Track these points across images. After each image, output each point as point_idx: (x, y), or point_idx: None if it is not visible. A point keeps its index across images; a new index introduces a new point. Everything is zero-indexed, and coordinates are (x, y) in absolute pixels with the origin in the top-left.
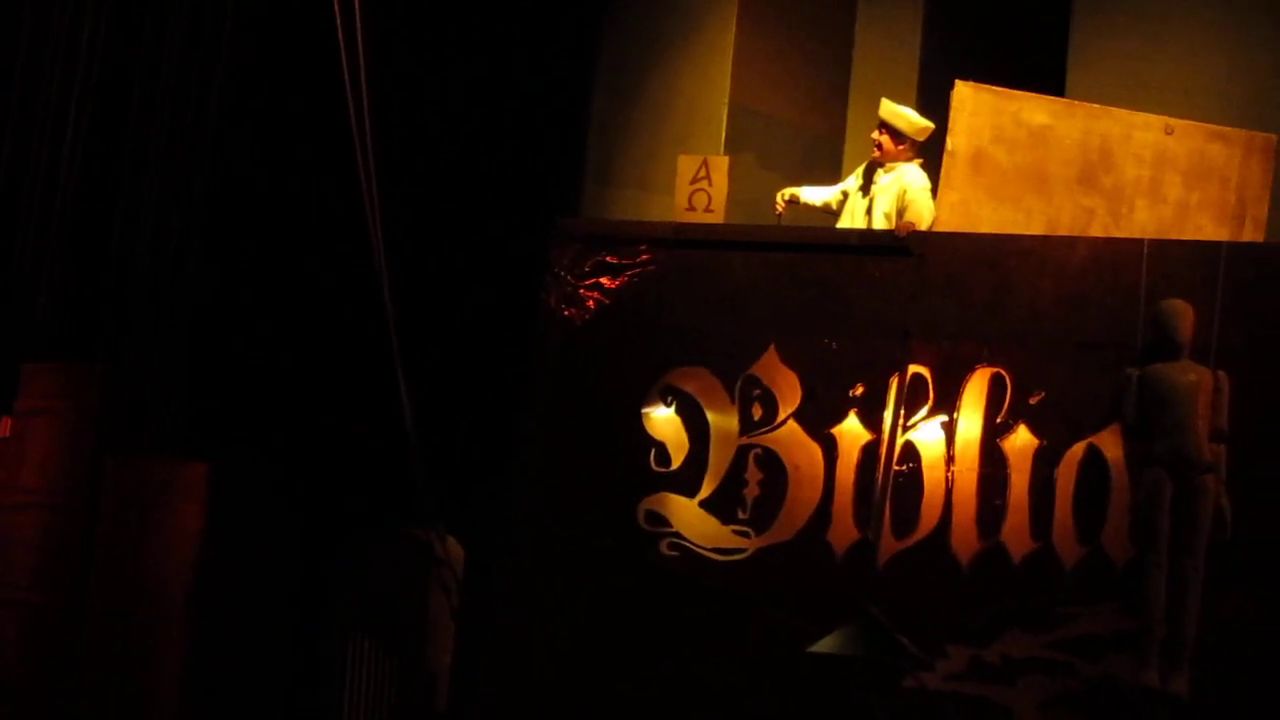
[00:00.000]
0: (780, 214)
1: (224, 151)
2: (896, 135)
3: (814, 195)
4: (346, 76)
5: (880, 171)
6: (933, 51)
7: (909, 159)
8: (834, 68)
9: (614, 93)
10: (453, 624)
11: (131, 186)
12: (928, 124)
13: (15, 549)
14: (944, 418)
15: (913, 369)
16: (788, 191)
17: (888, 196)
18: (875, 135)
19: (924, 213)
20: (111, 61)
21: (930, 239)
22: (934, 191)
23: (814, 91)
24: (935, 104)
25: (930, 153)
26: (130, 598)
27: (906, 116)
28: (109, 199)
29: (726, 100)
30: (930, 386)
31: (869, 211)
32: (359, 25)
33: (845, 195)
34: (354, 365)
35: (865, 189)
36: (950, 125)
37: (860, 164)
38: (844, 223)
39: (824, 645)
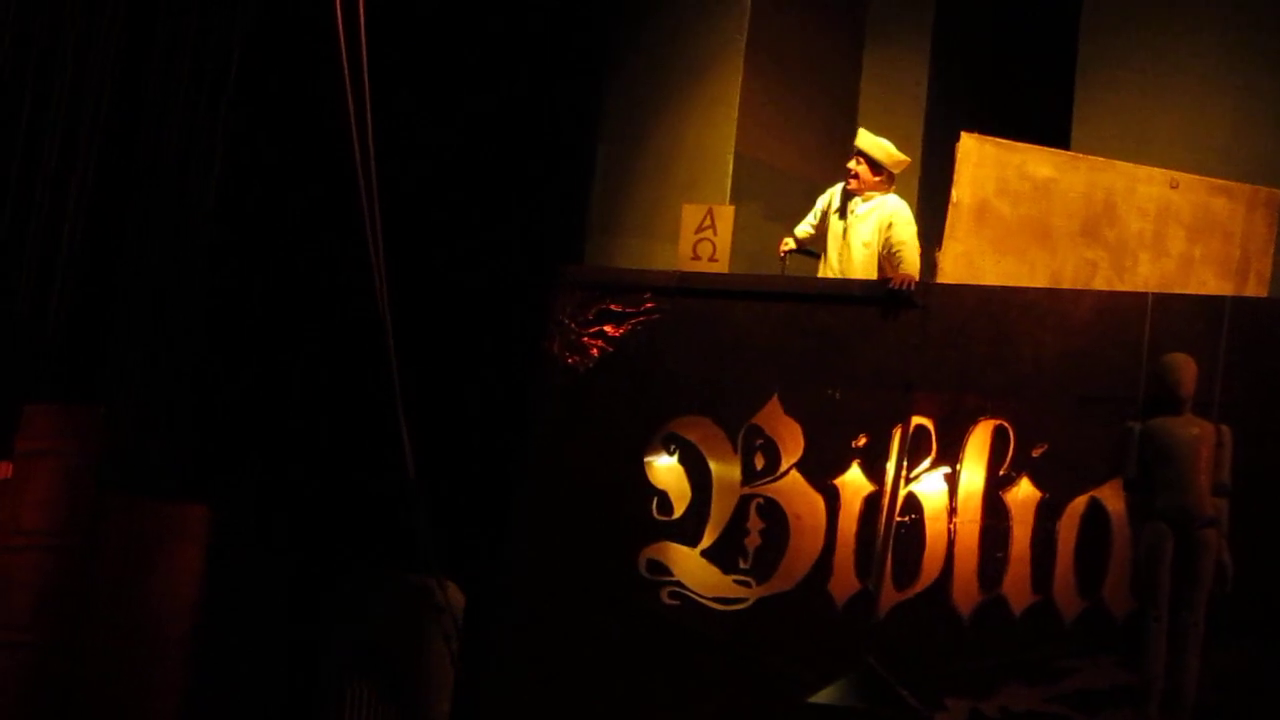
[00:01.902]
0: (784, 261)
1: (226, 198)
2: (875, 166)
3: (803, 230)
4: (353, 124)
5: (857, 200)
6: (937, 103)
7: (886, 190)
8: (839, 118)
9: (619, 141)
10: (451, 670)
11: (133, 229)
12: (905, 157)
13: (14, 590)
14: (946, 469)
15: (915, 420)
16: (789, 241)
17: (868, 225)
18: (852, 165)
19: (914, 255)
20: (117, 100)
21: (933, 291)
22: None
23: (819, 142)
24: (939, 155)
25: (934, 203)
26: (129, 639)
27: (885, 147)
28: (111, 241)
29: (732, 150)
30: (933, 438)
31: (844, 235)
32: (365, 70)
33: (823, 215)
34: (355, 410)
35: (841, 212)
36: (955, 177)
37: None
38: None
39: (824, 696)
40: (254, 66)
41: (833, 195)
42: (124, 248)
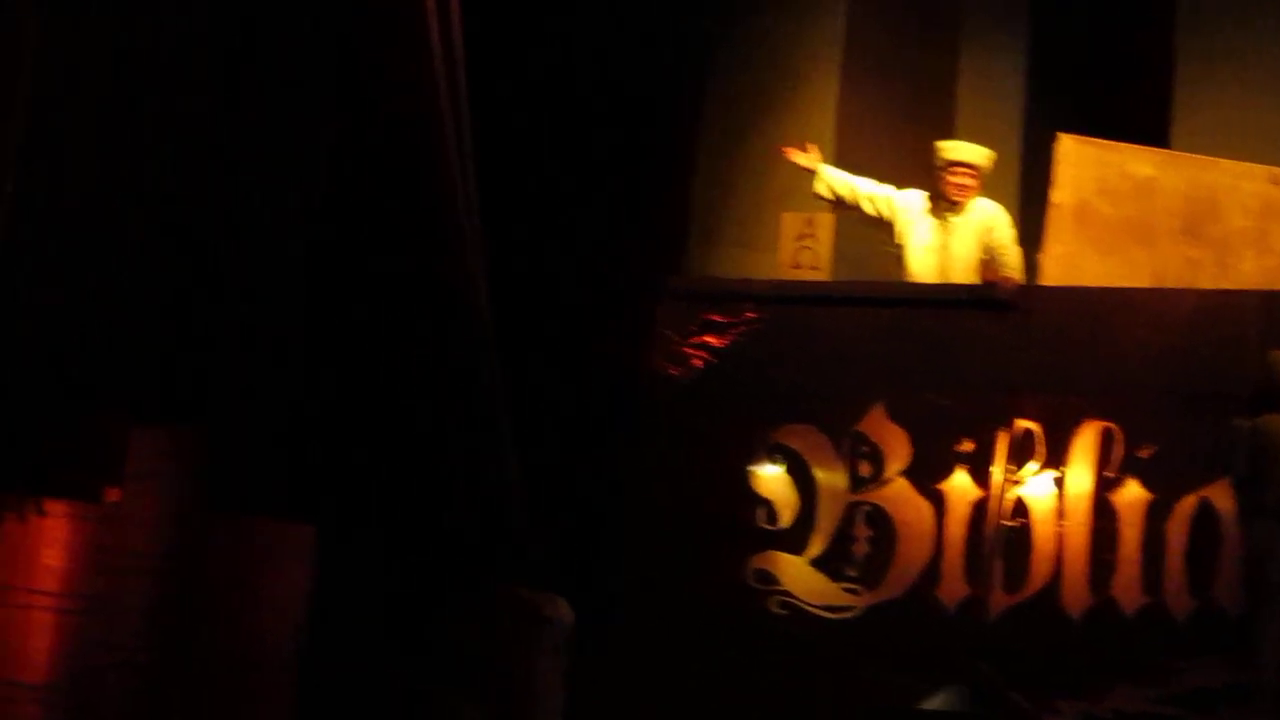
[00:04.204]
0: (896, 254)
1: (323, 220)
2: (979, 175)
3: (843, 184)
4: (450, 143)
5: (950, 209)
6: (1035, 105)
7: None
8: (937, 123)
9: (718, 152)
10: (561, 685)
11: (230, 249)
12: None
13: (123, 612)
14: (1053, 472)
15: (1021, 424)
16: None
17: (969, 232)
18: (965, 180)
19: (1017, 258)
20: (208, 120)
21: (1035, 293)
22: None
23: (917, 147)
24: (1038, 157)
25: (1033, 205)
26: (236, 660)
27: (991, 155)
28: (209, 261)
29: (831, 158)
30: (1039, 441)
31: (944, 245)
32: (461, 86)
33: (872, 203)
34: (459, 426)
35: (921, 222)
36: (1054, 178)
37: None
38: (920, 262)
39: (935, 702)
40: (348, 73)
41: (906, 206)
42: (224, 267)
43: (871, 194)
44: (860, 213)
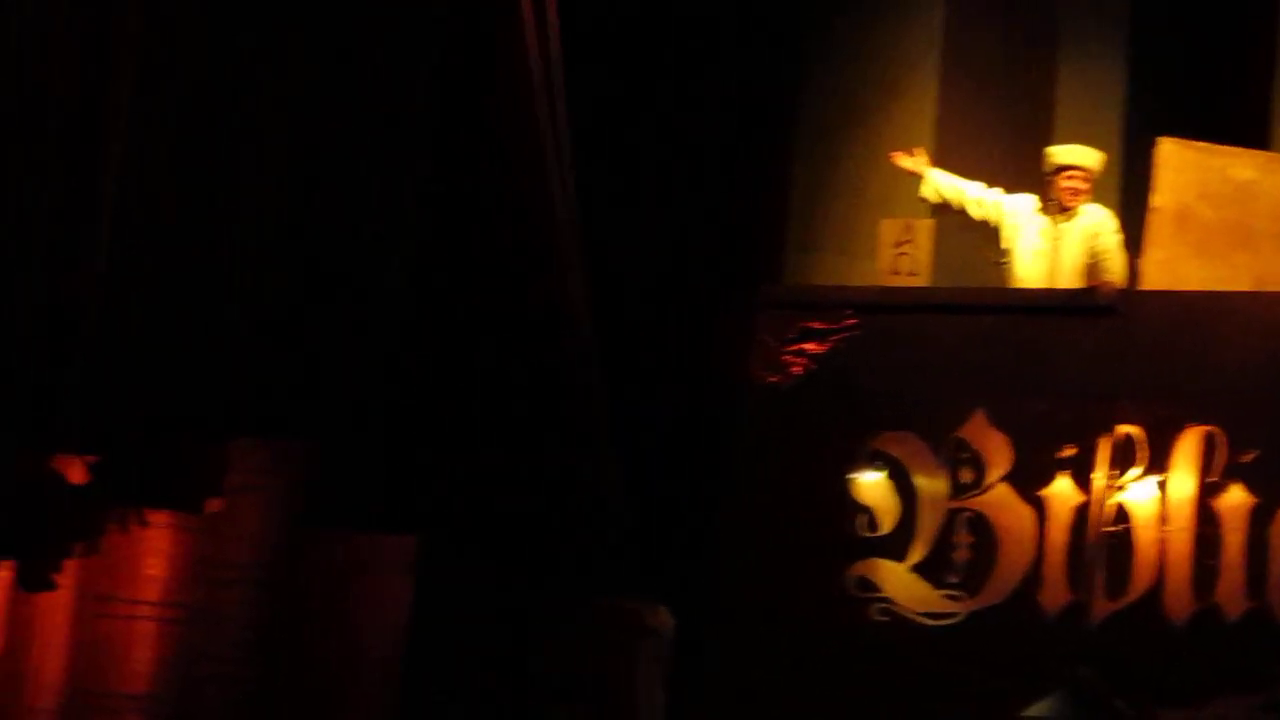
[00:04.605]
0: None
1: (423, 231)
2: (1090, 178)
3: (952, 190)
4: (550, 153)
5: (1060, 215)
6: (1135, 109)
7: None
8: (1036, 128)
9: (815, 159)
10: (663, 694)
11: (332, 262)
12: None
13: (225, 624)
14: (1155, 477)
15: (1122, 429)
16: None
17: (1078, 236)
18: (1078, 184)
19: (1121, 263)
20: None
21: (1136, 298)
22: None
23: (1016, 153)
24: (1138, 162)
25: (1133, 210)
26: (337, 670)
27: (1102, 159)
28: (311, 275)
29: (929, 163)
30: (1140, 446)
31: (1053, 250)
32: (560, 97)
33: (979, 207)
34: (560, 436)
35: (1028, 227)
36: (1154, 183)
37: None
38: (1028, 267)
39: (1038, 709)
40: (446, 83)
41: (1015, 210)
42: (325, 281)
43: (979, 198)
44: (966, 217)
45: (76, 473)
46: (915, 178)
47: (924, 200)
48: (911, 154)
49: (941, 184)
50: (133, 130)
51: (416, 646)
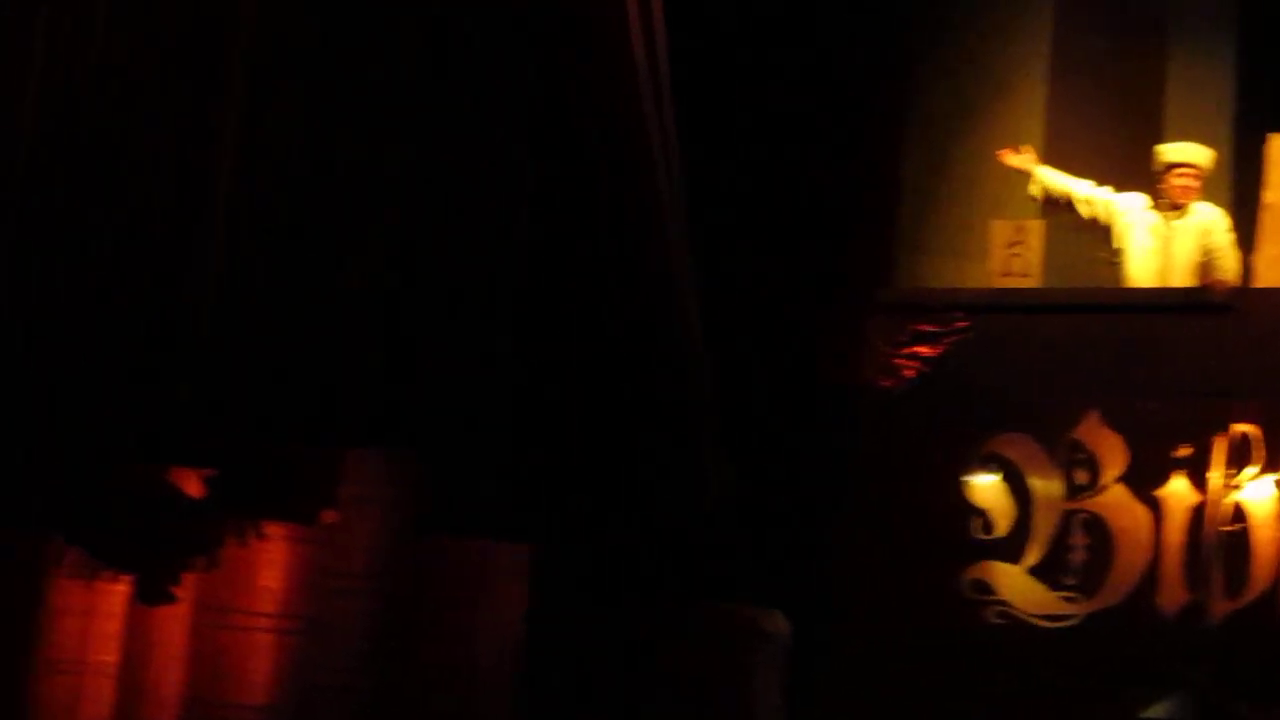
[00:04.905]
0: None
1: (531, 241)
2: (1201, 176)
3: (1078, 192)
4: (659, 160)
5: (1172, 213)
6: (1246, 105)
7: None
8: (1146, 128)
9: (925, 161)
10: (781, 700)
11: (442, 272)
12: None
13: (341, 635)
14: (1272, 476)
15: (1238, 428)
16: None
17: (1190, 235)
18: (1190, 182)
19: (1234, 260)
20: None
21: (1249, 295)
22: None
23: (1126, 152)
24: (1249, 158)
25: (1245, 207)
26: (453, 680)
27: (1213, 156)
28: (422, 285)
29: (1039, 164)
30: (1256, 444)
31: (1163, 250)
32: (667, 103)
33: (1089, 205)
34: (673, 443)
35: (1139, 226)
36: (1265, 179)
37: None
38: (1140, 266)
39: (1157, 710)
40: (553, 92)
41: (1126, 209)
42: (436, 291)
43: (1089, 196)
44: (1076, 216)
45: (193, 486)
46: (1025, 178)
47: (1032, 199)
48: (1019, 151)
49: (1050, 181)
50: (244, 141)
51: (531, 655)
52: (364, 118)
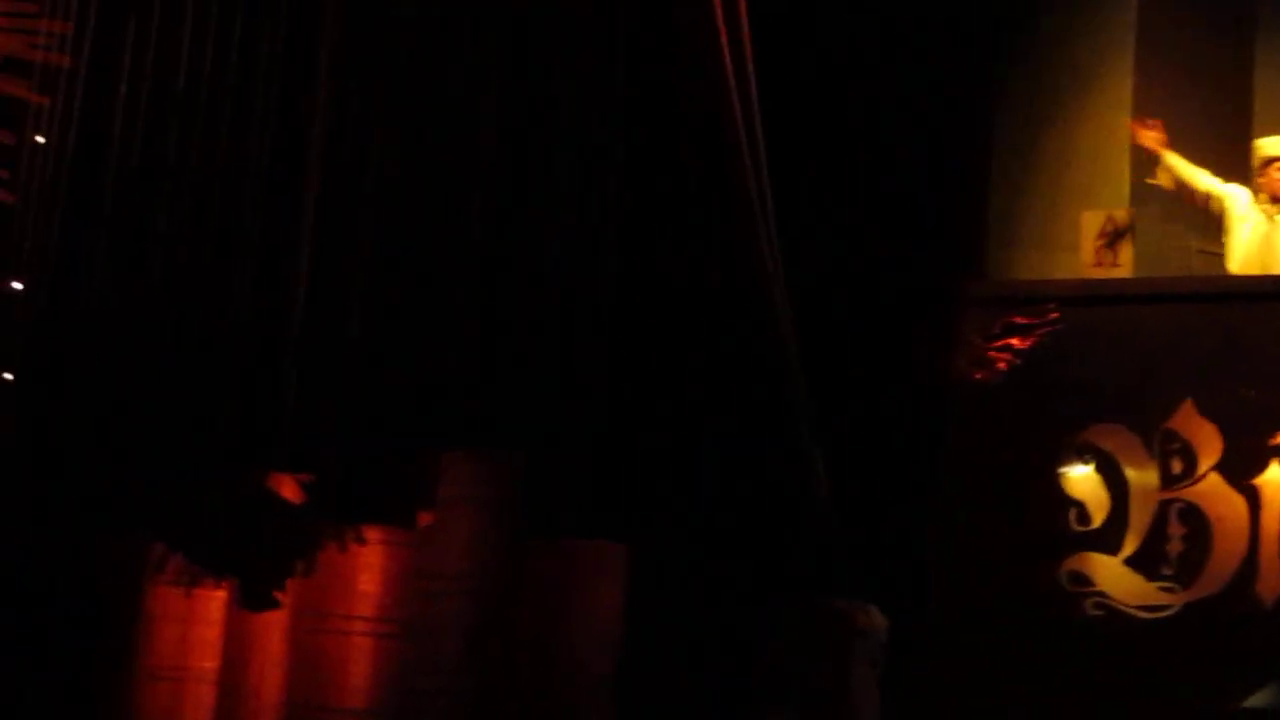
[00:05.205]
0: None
1: (623, 241)
2: None
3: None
4: (745, 157)
5: (1271, 207)
6: None
7: None
8: (1234, 114)
9: (1012, 153)
10: (878, 696)
11: (539, 274)
12: None
13: (441, 636)
14: None
15: None
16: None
17: None
18: None
19: None
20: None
21: None
22: None
23: (1215, 139)
24: None
25: None
26: (554, 680)
27: None
28: (518, 287)
29: (1127, 154)
30: None
31: (1264, 243)
32: (753, 100)
33: (1208, 198)
34: (767, 439)
35: (1247, 219)
36: None
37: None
38: (1244, 259)
39: (1259, 698)
40: (640, 92)
41: (1236, 201)
42: (531, 292)
43: (1211, 187)
44: (1193, 205)
45: (291, 491)
46: (1114, 168)
47: (1155, 184)
48: (1149, 128)
49: (1179, 167)
50: (334, 145)
51: (629, 654)
52: (454, 120)
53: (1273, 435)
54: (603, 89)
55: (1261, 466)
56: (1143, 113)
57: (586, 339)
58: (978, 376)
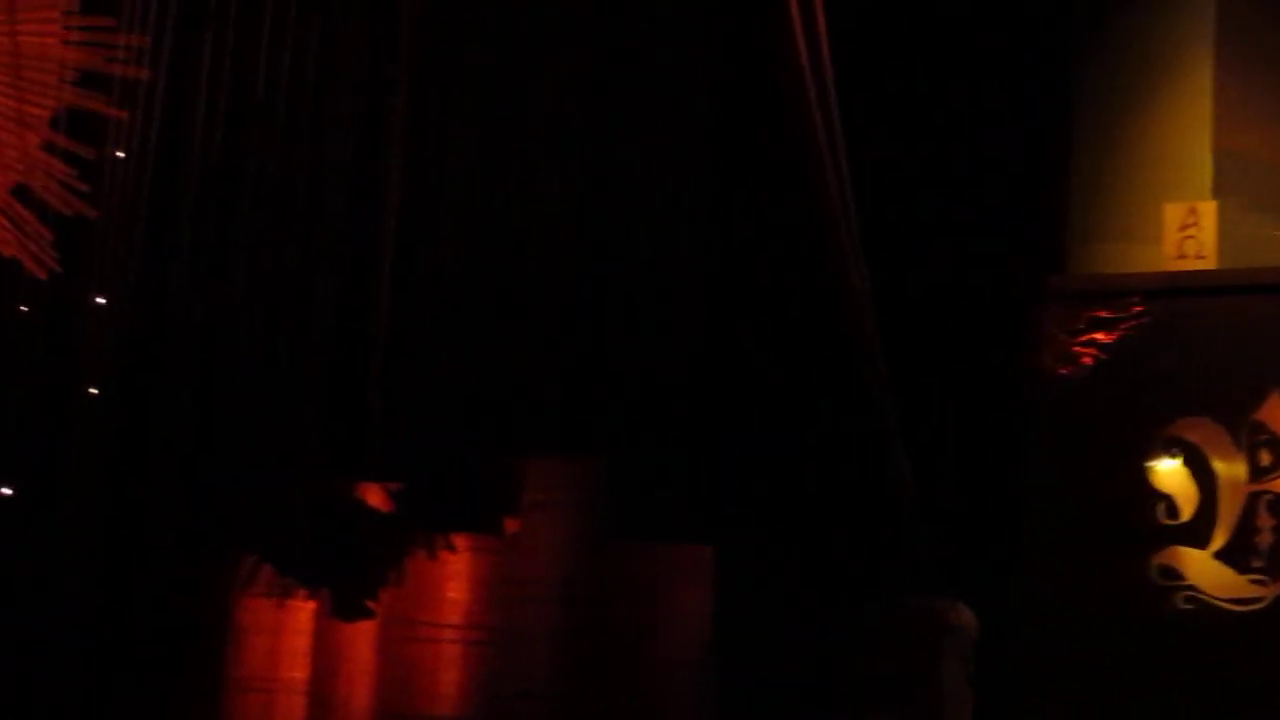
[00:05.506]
0: None
1: (708, 246)
2: None
3: None
4: (826, 156)
5: None
6: None
7: None
8: None
9: (1094, 147)
10: (969, 694)
11: (620, 279)
12: None
13: (529, 642)
14: None
15: None
16: None
17: None
18: None
19: None
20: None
21: None
22: None
23: None
24: None
25: None
26: (643, 684)
27: None
28: (602, 293)
29: (1209, 145)
30: None
31: None
32: (831, 97)
33: None
34: (852, 438)
35: None
36: None
37: None
38: None
39: None
40: (723, 101)
41: None
42: (616, 298)
43: None
44: (1248, 195)
45: (379, 499)
46: (1196, 159)
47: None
48: None
49: None
50: (417, 150)
51: (718, 656)
52: (538, 124)
53: None
54: (688, 98)
55: None
56: (1224, 104)
57: (671, 341)
58: (1063, 372)
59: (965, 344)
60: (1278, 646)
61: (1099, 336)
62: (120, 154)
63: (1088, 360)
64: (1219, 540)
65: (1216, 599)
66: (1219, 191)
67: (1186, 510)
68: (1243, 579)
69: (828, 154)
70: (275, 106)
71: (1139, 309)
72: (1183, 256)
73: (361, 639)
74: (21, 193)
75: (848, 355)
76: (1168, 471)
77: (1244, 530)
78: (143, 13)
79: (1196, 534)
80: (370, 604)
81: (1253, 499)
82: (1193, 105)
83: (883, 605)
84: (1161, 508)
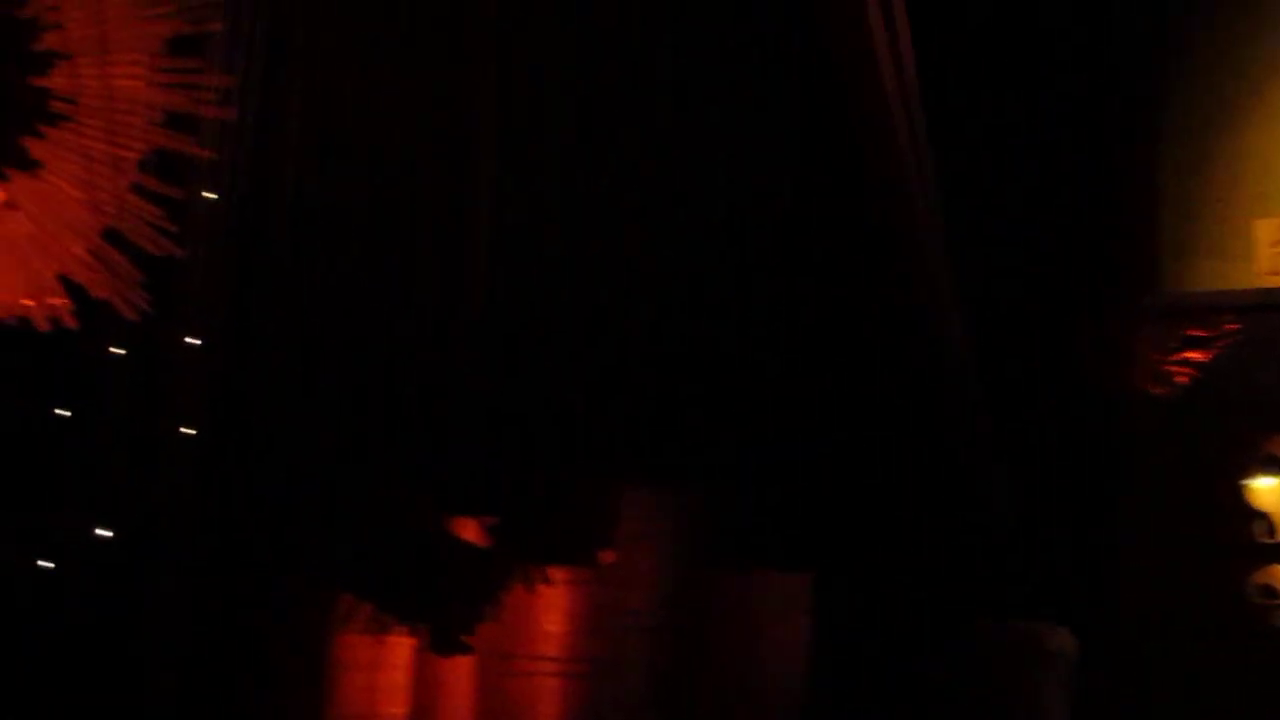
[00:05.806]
0: None
1: (800, 269)
2: None
3: None
4: (911, 176)
5: None
6: None
7: None
8: None
9: (1183, 164)
10: (1069, 716)
11: (713, 306)
12: None
13: (625, 673)
14: None
15: None
16: None
17: None
18: None
19: None
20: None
21: None
22: None
23: None
24: None
25: None
26: (741, 714)
27: None
28: (689, 323)
29: None
30: None
31: None
32: (919, 117)
33: None
34: (946, 462)
35: None
36: None
37: None
38: None
39: None
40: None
41: None
42: (704, 331)
43: None
44: None
45: (474, 534)
46: None
47: None
48: None
49: None
50: (504, 180)
51: (817, 683)
52: (626, 156)
53: None
54: (759, 127)
55: None
56: None
57: (762, 372)
58: (1158, 391)
59: (1059, 364)
60: None
61: (1193, 355)
62: (208, 195)
63: (1182, 379)
64: None
65: None
66: None
67: None
68: None
69: (916, 172)
70: (361, 141)
71: (1232, 326)
72: (1274, 272)
73: (459, 673)
74: (111, 234)
75: (942, 378)
76: (1265, 489)
77: None
78: (228, 54)
79: None
80: (468, 638)
81: None
82: None
83: (982, 630)
84: (1260, 526)
